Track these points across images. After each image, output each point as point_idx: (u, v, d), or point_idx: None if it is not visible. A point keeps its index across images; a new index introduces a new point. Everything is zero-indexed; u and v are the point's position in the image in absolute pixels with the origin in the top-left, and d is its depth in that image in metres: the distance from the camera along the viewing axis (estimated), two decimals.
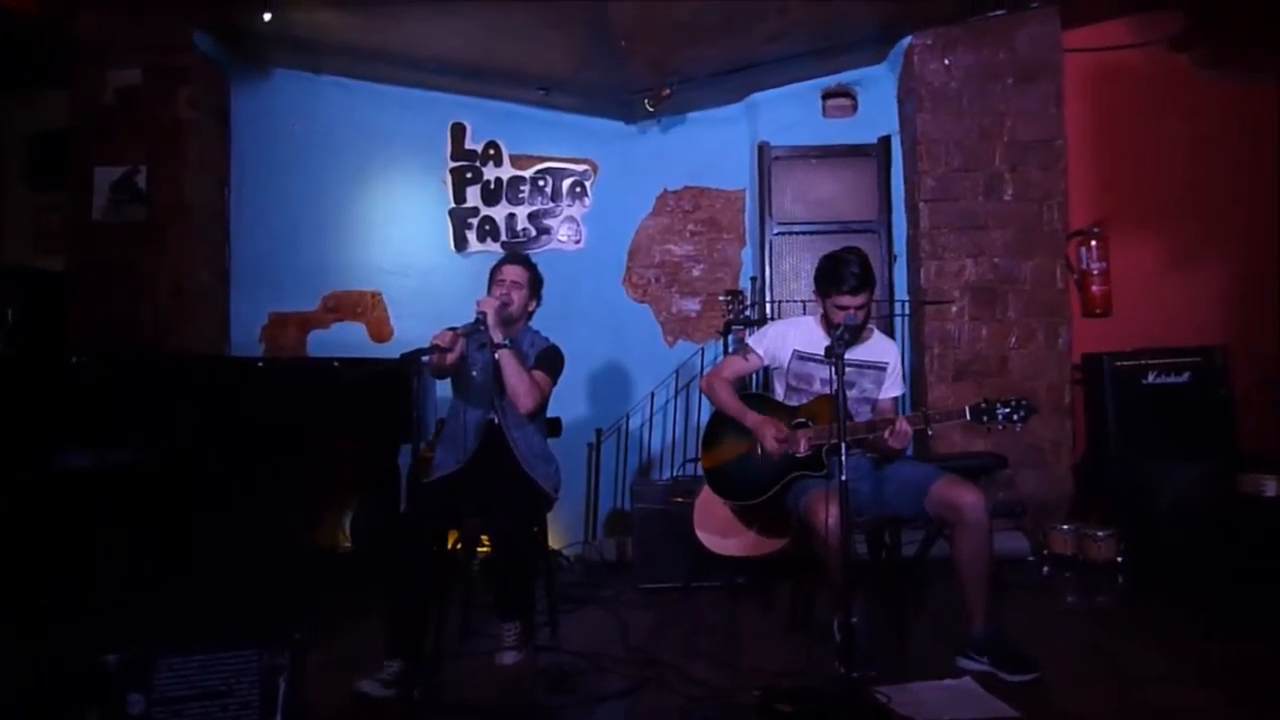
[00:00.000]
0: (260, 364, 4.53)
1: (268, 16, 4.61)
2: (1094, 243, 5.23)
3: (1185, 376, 4.76)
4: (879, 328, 3.86)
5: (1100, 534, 4.50)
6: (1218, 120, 5.24)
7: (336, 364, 4.16)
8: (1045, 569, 4.62)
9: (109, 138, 5.22)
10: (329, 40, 5.15)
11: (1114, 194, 5.32)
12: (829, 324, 3.34)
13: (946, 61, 5.23)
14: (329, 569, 4.77)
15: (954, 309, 5.19)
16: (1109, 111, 5.34)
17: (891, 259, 5.51)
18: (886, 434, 3.13)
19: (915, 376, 5.31)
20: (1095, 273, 5.24)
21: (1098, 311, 5.26)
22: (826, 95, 5.64)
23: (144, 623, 3.04)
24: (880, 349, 3.50)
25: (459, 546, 3.72)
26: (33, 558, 3.41)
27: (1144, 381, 4.75)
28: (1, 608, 3.31)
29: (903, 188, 5.49)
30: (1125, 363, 4.80)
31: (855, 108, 5.64)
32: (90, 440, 3.53)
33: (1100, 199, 5.31)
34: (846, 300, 3.23)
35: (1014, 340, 5.17)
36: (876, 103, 5.59)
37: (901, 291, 5.46)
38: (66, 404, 3.47)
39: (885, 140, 5.56)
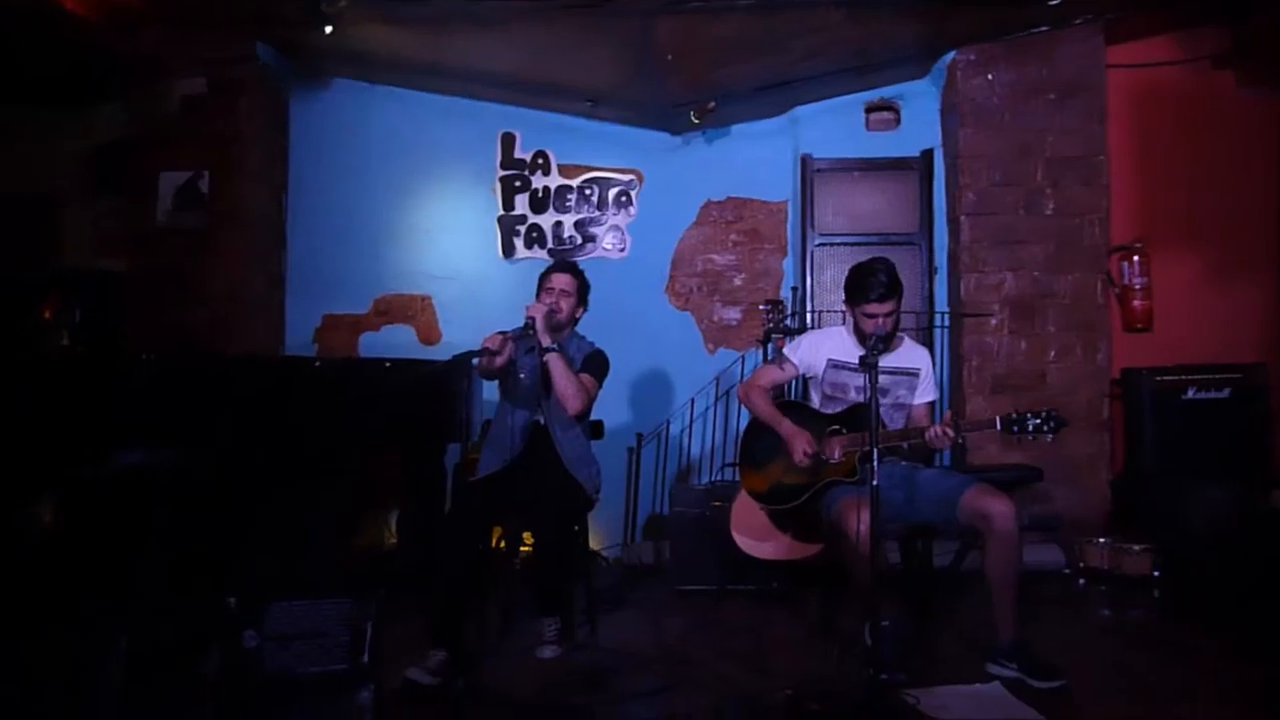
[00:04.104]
0: (317, 364, 4.71)
1: (329, 29, 4.78)
2: (1136, 258, 5.24)
3: (1225, 393, 4.75)
4: (917, 338, 3.93)
5: (1135, 548, 4.50)
6: (1261, 138, 5.23)
7: (388, 364, 4.31)
8: (1080, 582, 4.64)
9: (172, 145, 5.42)
10: (385, 54, 5.32)
11: (1156, 210, 5.33)
12: (860, 334, 3.42)
13: (989, 77, 5.28)
14: (377, 564, 4.93)
15: (993, 322, 5.23)
16: (1152, 128, 5.35)
17: (932, 271, 5.56)
18: (930, 435, 3.19)
19: (953, 388, 5.36)
20: (1137, 288, 5.25)
21: (1139, 326, 5.26)
22: (869, 109, 5.71)
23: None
24: (912, 356, 3.57)
25: (502, 544, 3.85)
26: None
27: (1183, 397, 4.75)
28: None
29: (944, 201, 5.54)
30: (1165, 378, 4.81)
31: (898, 121, 5.70)
32: (155, 435, 3.75)
33: (1142, 215, 5.32)
34: (875, 308, 3.31)
35: (1053, 354, 5.20)
36: (919, 116, 5.65)
37: (941, 303, 5.50)
38: (134, 400, 3.68)
39: (927, 154, 5.61)
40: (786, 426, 3.49)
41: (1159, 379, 4.81)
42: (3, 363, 3.98)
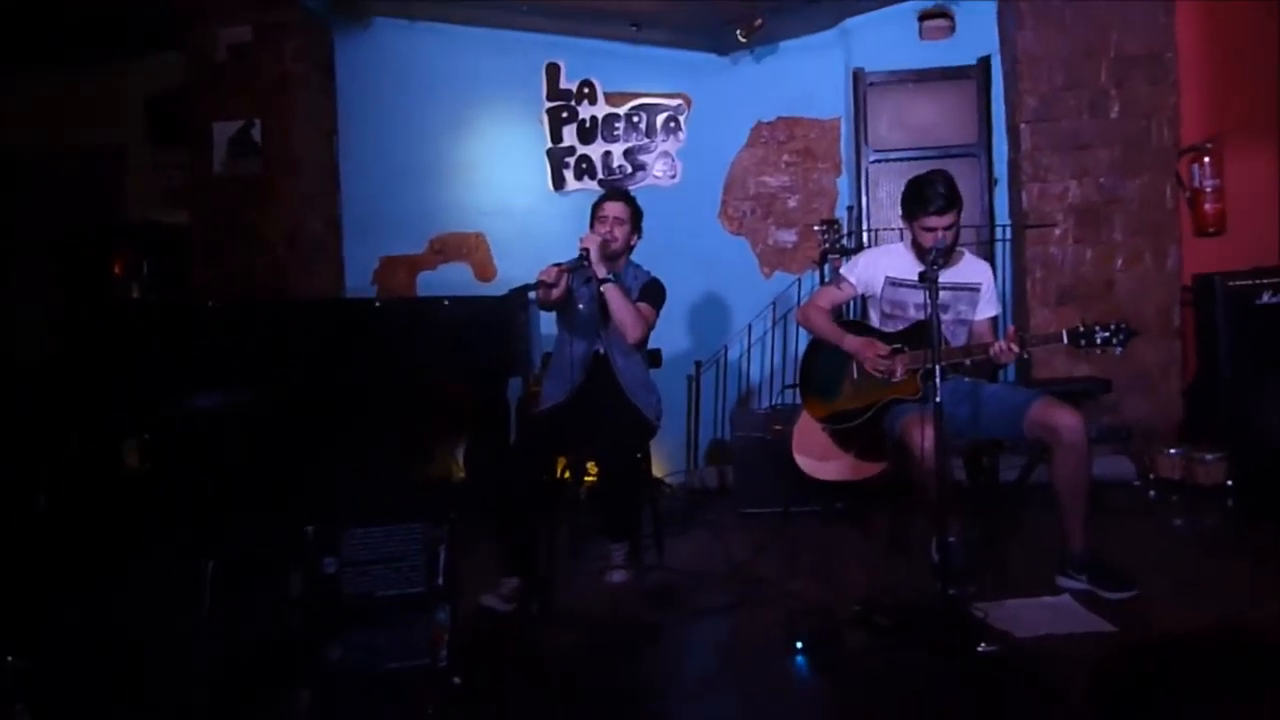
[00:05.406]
0: (377, 304, 4.79)
1: None
2: (1206, 159, 5.03)
3: None
4: (978, 253, 3.85)
5: (1208, 457, 4.42)
6: None
7: (446, 302, 4.37)
8: (1151, 493, 4.58)
9: (223, 94, 5.50)
10: None
11: (1228, 107, 5.08)
12: (919, 249, 3.35)
13: None
14: (446, 496, 5.07)
15: (1057, 232, 5.10)
16: (1222, 19, 5.07)
17: (992, 183, 5.42)
18: (994, 350, 3.13)
19: (1016, 302, 5.26)
20: (1208, 190, 5.05)
21: (1210, 230, 5.08)
22: (923, 16, 5.51)
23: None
24: (973, 270, 3.49)
25: (567, 475, 3.91)
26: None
27: (1258, 302, 4.58)
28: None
29: (1003, 109, 5.36)
30: (1238, 282, 4.63)
31: (953, 28, 5.50)
32: (228, 379, 3.89)
33: (1213, 113, 5.09)
34: (934, 221, 3.23)
35: (1120, 262, 5.07)
36: (975, 21, 5.45)
37: (1002, 216, 5.37)
38: (207, 346, 3.81)
39: (985, 60, 5.43)
40: (850, 341, 3.45)
41: (1232, 284, 4.64)
42: (82, 316, 4.16)
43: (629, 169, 5.80)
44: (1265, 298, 4.59)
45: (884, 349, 3.37)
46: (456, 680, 2.47)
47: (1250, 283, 4.61)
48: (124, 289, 5.37)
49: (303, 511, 2.65)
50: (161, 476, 4.19)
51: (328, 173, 5.79)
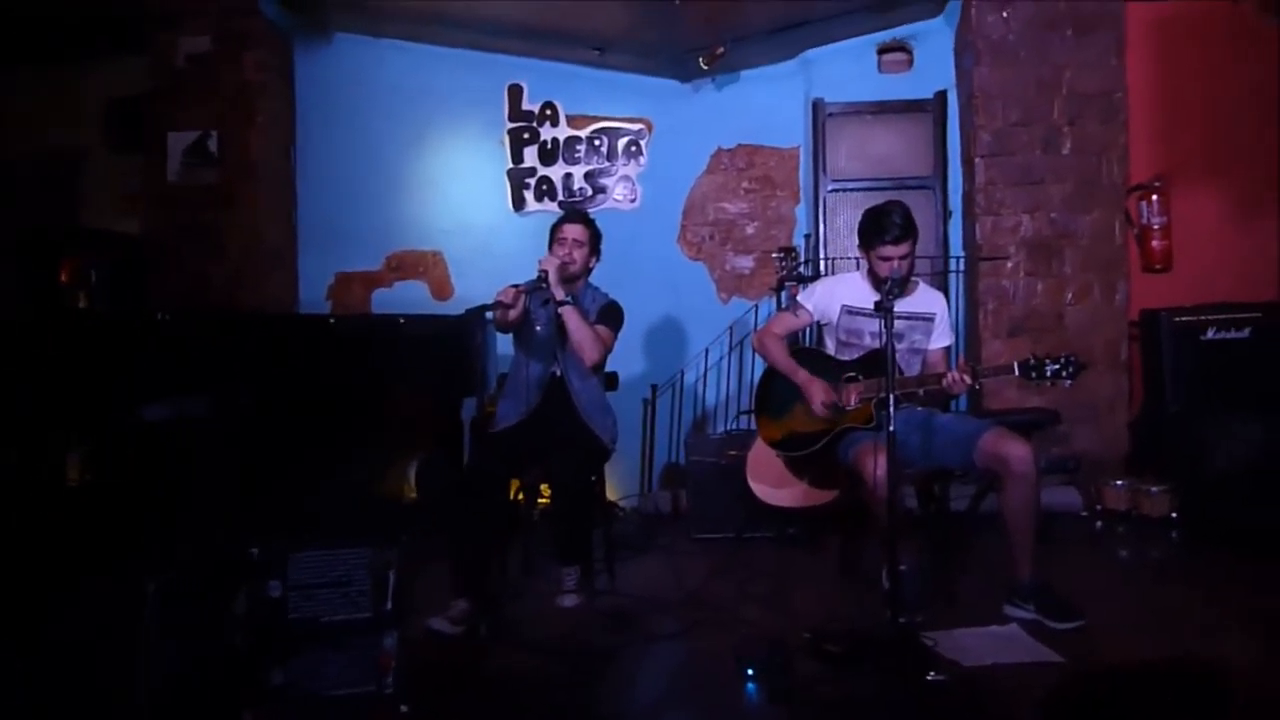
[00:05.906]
0: (331, 321, 4.73)
1: None
2: (1154, 197, 5.16)
3: (1245, 332, 4.69)
4: (933, 284, 3.90)
5: (1154, 489, 4.50)
6: None
7: (402, 320, 4.33)
8: (1098, 524, 4.64)
9: (181, 103, 5.40)
10: (388, 3, 5.25)
11: (1176, 147, 5.23)
12: (875, 278, 3.39)
13: (1005, 14, 5.17)
14: (397, 517, 4.98)
15: (1009, 265, 5.18)
16: (1171, 62, 5.22)
17: (946, 215, 5.50)
18: (946, 381, 3.17)
19: (969, 333, 5.33)
20: (1155, 227, 5.17)
21: (1157, 267, 5.20)
22: (882, 50, 5.60)
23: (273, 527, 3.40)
24: (927, 300, 3.54)
25: (520, 497, 3.88)
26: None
27: (1202, 337, 4.69)
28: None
29: (959, 143, 5.46)
30: (1184, 318, 4.74)
31: (911, 62, 5.60)
32: (173, 391, 3.79)
33: (1162, 152, 5.22)
34: (890, 250, 3.27)
35: (1070, 296, 5.16)
36: (933, 57, 5.54)
37: (956, 247, 5.45)
38: (152, 357, 3.72)
39: (941, 95, 5.52)
40: (803, 375, 3.48)
41: (1177, 320, 4.75)
42: (24, 324, 4.03)
43: (589, 191, 5.80)
44: (1210, 333, 4.70)
45: (830, 395, 3.39)
46: (404, 709, 2.42)
47: (1195, 318, 4.73)
48: (71, 296, 5.24)
49: (248, 532, 2.58)
50: (102, 490, 4.07)
51: (285, 184, 5.72)
